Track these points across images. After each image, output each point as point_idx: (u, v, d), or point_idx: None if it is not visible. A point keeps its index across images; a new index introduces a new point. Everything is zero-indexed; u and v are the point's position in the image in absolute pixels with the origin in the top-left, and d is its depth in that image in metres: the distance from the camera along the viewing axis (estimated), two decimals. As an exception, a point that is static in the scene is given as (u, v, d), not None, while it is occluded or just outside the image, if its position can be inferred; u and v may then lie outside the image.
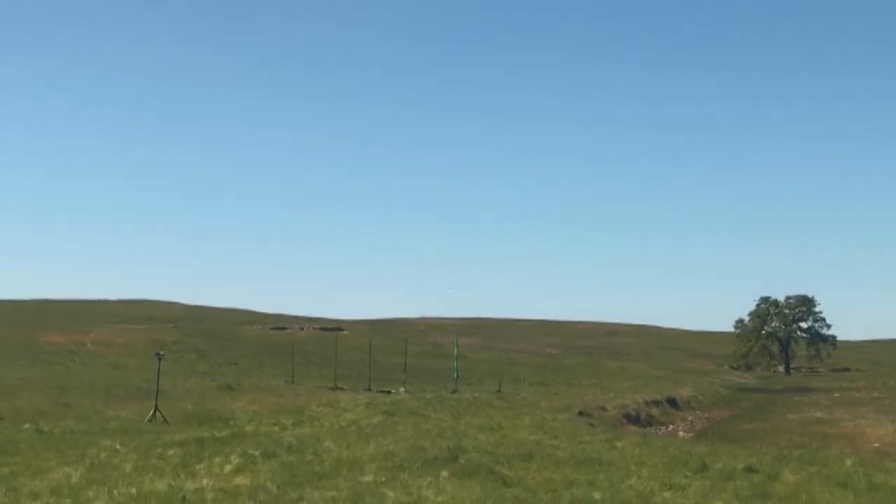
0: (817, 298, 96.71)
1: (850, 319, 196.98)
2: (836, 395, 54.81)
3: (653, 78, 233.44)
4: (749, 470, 14.19)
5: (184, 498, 10.99)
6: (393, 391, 39.27)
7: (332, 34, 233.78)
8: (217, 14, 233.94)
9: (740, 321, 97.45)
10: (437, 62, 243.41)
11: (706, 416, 42.89)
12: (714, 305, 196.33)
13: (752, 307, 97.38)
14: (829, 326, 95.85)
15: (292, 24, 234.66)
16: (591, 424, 28.11)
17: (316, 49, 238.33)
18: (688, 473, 13.73)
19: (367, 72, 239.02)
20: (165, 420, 22.21)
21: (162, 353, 26.62)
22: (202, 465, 13.75)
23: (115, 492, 11.39)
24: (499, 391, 41.93)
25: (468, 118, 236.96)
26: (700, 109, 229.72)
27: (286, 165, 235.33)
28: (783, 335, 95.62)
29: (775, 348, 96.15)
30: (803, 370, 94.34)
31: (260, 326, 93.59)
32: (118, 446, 16.20)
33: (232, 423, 22.20)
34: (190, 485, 11.86)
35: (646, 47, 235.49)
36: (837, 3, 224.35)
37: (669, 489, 12.29)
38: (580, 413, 30.70)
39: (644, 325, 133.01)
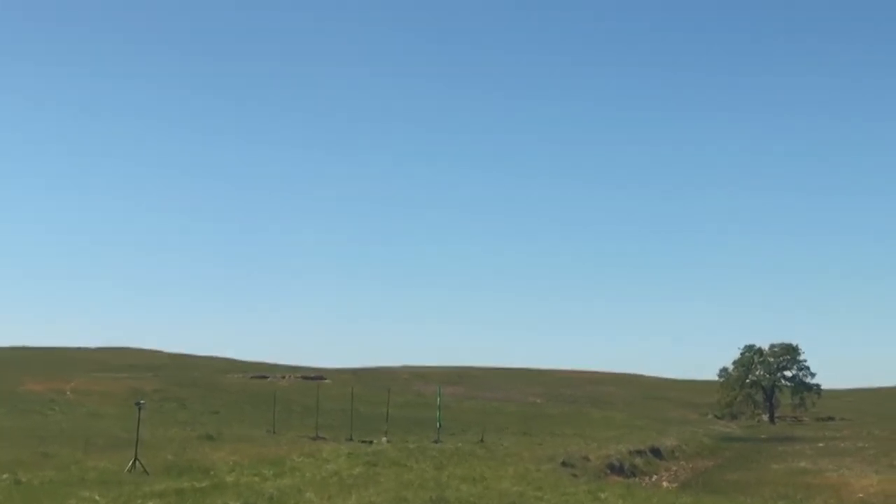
0: (801, 346, 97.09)
1: (834, 368, 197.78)
2: (821, 444, 54.75)
3: (633, 131, 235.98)
4: (732, 521, 14.14)
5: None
6: (375, 441, 39.00)
7: (317, 87, 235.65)
8: (207, 53, 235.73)
9: (724, 370, 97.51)
10: (419, 116, 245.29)
11: (690, 466, 42.72)
12: (698, 353, 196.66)
13: (737, 355, 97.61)
14: (813, 375, 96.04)
15: (285, 88, 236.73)
16: (575, 475, 27.95)
17: (301, 97, 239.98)
18: (671, 525, 13.67)
19: (348, 121, 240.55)
20: (145, 470, 21.97)
21: (142, 402, 26.40)
22: (181, 517, 13.60)
23: (93, 545, 11.24)
24: (482, 441, 41.69)
25: (450, 168, 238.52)
26: (680, 162, 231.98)
27: (266, 214, 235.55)
28: (767, 384, 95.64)
29: (759, 397, 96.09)
30: (788, 419, 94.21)
31: (241, 375, 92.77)
32: (97, 497, 16.02)
33: (212, 473, 21.97)
34: (168, 537, 11.73)
35: (632, 95, 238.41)
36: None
37: (652, 541, 12.23)
38: (563, 463, 30.54)
39: (628, 374, 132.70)
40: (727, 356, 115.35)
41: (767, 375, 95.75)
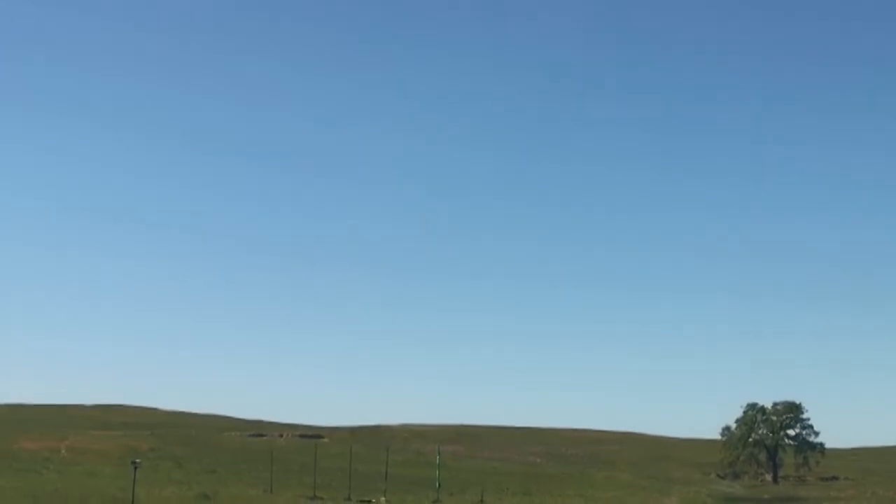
0: (805, 405, 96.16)
1: (838, 426, 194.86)
2: (825, 504, 54.11)
3: (635, 188, 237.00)
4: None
5: None
6: (373, 500, 38.66)
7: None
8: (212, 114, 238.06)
9: (727, 428, 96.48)
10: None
11: (693, 527, 42.16)
12: (702, 411, 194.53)
13: (739, 414, 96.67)
14: (817, 434, 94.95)
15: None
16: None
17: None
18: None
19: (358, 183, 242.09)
20: (139, 532, 21.61)
21: (138, 461, 26.14)
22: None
23: None
24: (482, 502, 41.24)
25: (447, 228, 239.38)
26: (680, 221, 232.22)
27: (264, 269, 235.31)
28: (770, 443, 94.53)
29: (762, 456, 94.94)
30: (791, 479, 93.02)
31: (238, 433, 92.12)
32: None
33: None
34: None
35: (632, 156, 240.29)
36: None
37: None
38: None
39: (631, 433, 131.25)
40: (731, 412, 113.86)
41: (770, 434, 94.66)
